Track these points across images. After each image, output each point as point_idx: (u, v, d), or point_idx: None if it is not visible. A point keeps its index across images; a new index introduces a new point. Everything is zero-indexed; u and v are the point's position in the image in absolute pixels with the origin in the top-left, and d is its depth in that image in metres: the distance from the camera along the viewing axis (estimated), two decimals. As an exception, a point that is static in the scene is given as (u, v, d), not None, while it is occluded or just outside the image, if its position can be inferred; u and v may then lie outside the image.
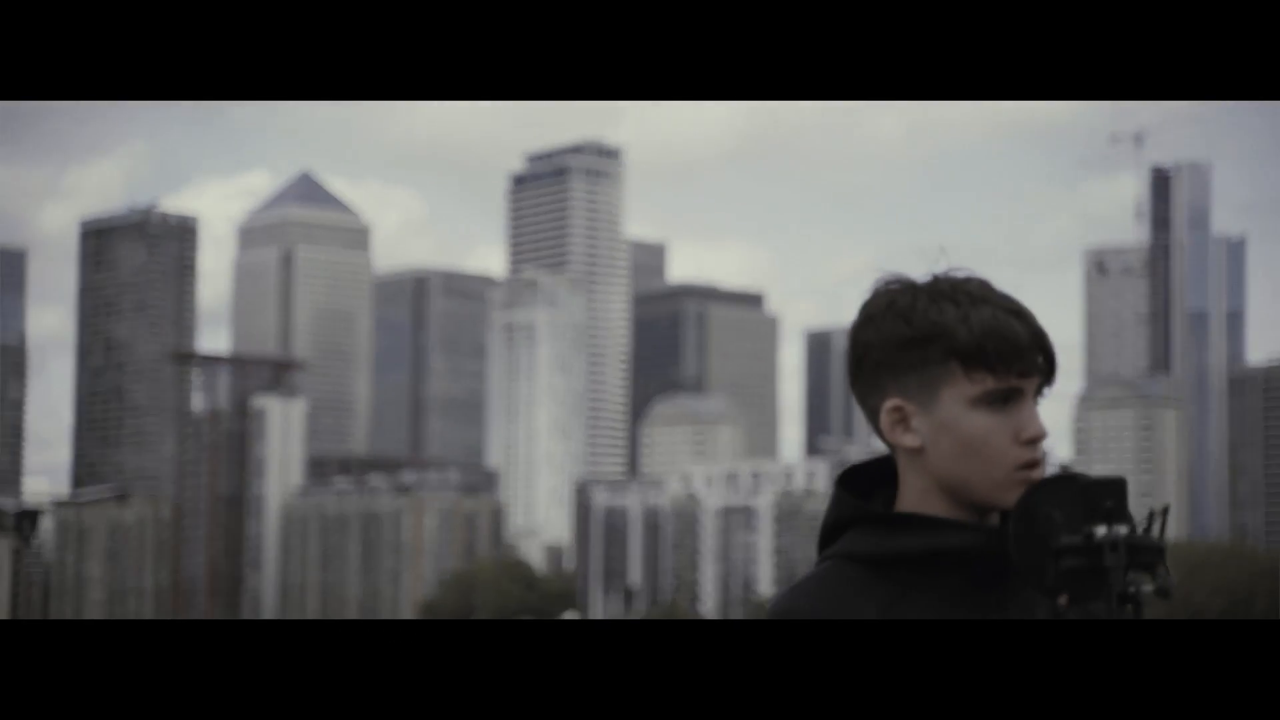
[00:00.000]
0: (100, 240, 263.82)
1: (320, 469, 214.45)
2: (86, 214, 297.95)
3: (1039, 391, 2.33)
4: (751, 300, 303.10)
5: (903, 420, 2.36)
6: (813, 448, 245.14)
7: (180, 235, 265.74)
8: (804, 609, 2.31)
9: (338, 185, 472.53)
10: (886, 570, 2.32)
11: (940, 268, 2.38)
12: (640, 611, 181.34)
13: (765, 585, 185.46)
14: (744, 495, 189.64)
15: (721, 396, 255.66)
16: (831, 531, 2.40)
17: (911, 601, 2.30)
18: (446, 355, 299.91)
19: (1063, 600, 2.19)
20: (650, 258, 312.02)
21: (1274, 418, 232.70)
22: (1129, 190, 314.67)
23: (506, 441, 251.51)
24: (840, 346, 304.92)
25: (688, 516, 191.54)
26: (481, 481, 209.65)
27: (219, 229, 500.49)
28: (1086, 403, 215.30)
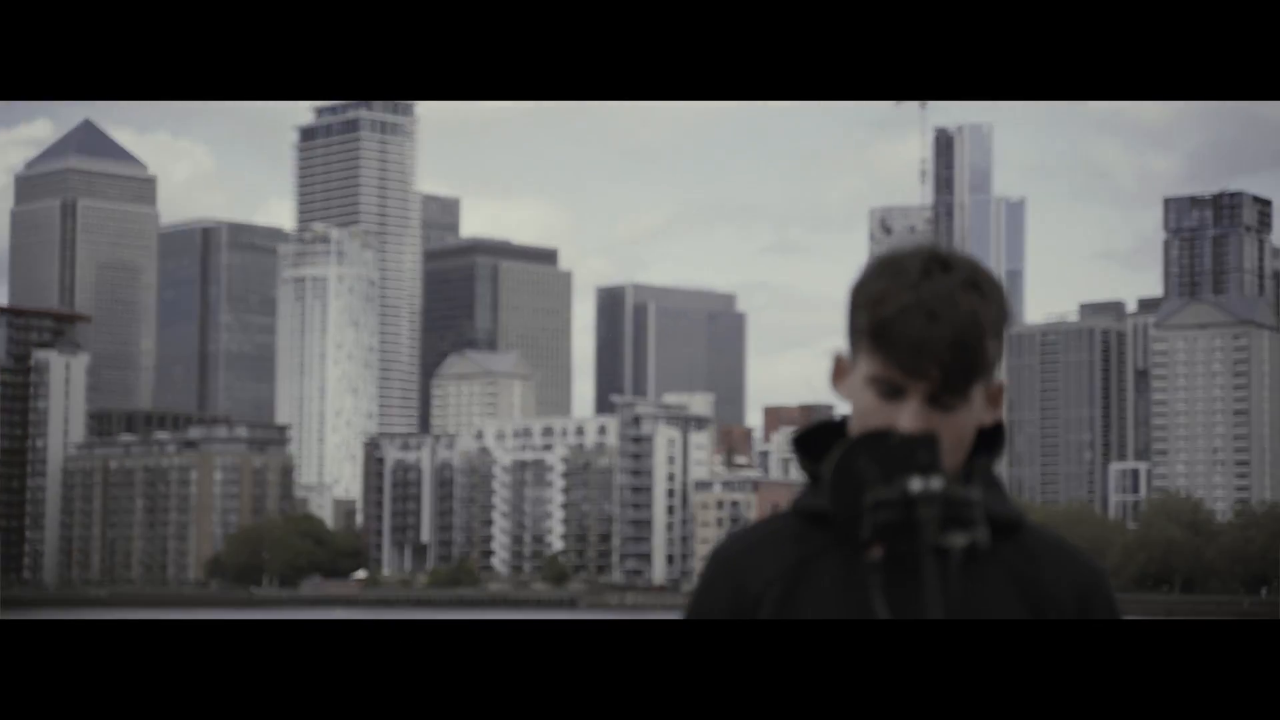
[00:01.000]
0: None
1: (103, 424, 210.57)
2: None
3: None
4: (545, 256, 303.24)
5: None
6: (604, 404, 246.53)
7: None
8: (728, 552, 2.39)
9: (123, 136, 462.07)
10: (817, 525, 2.36)
11: (936, 237, 2.48)
12: (431, 567, 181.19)
13: (557, 541, 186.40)
14: (536, 451, 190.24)
15: (514, 353, 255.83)
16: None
17: (825, 559, 2.35)
18: (235, 310, 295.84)
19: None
20: (443, 213, 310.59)
21: (1050, 376, 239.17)
22: (914, 151, 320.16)
23: (296, 397, 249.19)
24: (633, 302, 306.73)
25: (480, 472, 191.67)
26: (271, 437, 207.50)
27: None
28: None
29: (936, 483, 2.20)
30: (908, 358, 2.30)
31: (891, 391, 2.32)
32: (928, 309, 2.30)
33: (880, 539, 2.23)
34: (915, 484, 2.20)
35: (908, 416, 2.31)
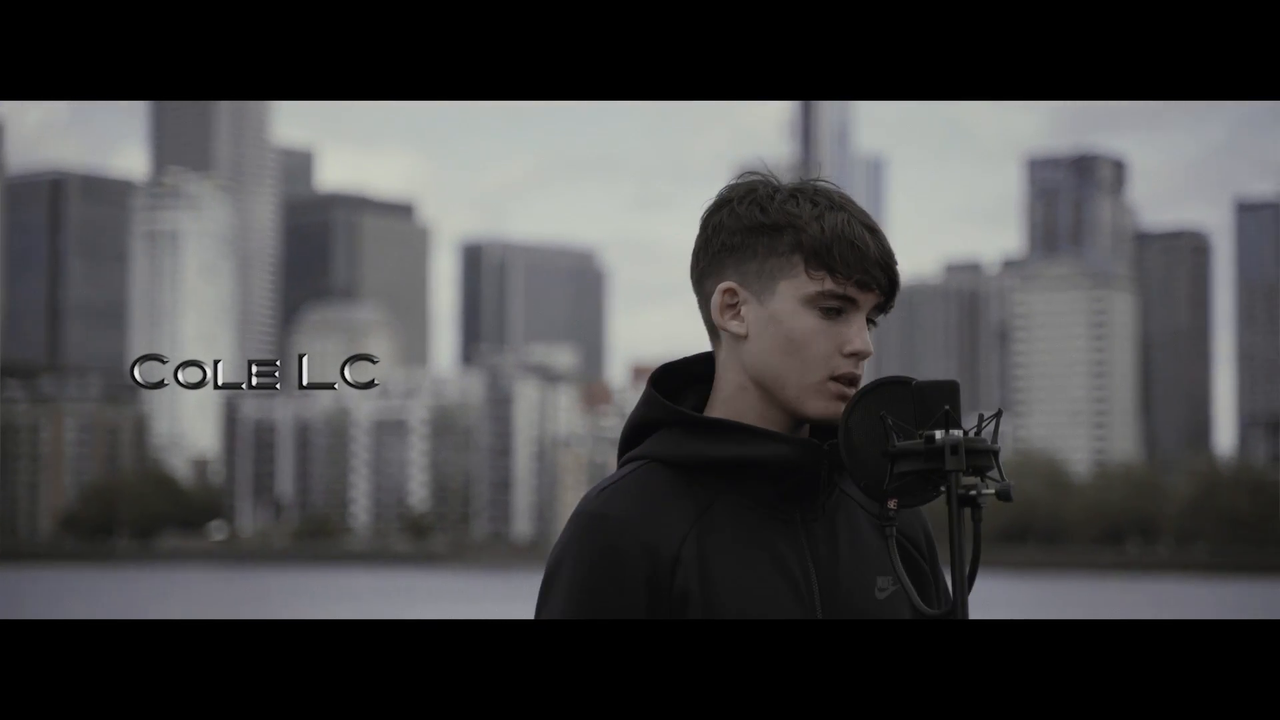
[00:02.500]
0: None
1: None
2: None
3: (876, 313, 2.32)
4: (402, 210, 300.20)
5: (734, 306, 2.33)
6: (467, 359, 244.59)
7: None
8: (622, 511, 2.26)
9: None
10: (696, 475, 2.28)
11: (809, 177, 2.37)
12: (291, 523, 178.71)
13: (418, 498, 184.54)
14: (396, 405, 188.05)
15: (373, 304, 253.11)
16: (638, 431, 2.35)
17: (719, 511, 2.27)
18: (86, 260, 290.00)
19: (892, 504, 2.21)
20: (299, 164, 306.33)
21: (911, 334, 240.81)
22: (779, 106, 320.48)
23: (150, 350, 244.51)
24: (494, 258, 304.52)
25: (339, 427, 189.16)
26: (124, 391, 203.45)
27: None
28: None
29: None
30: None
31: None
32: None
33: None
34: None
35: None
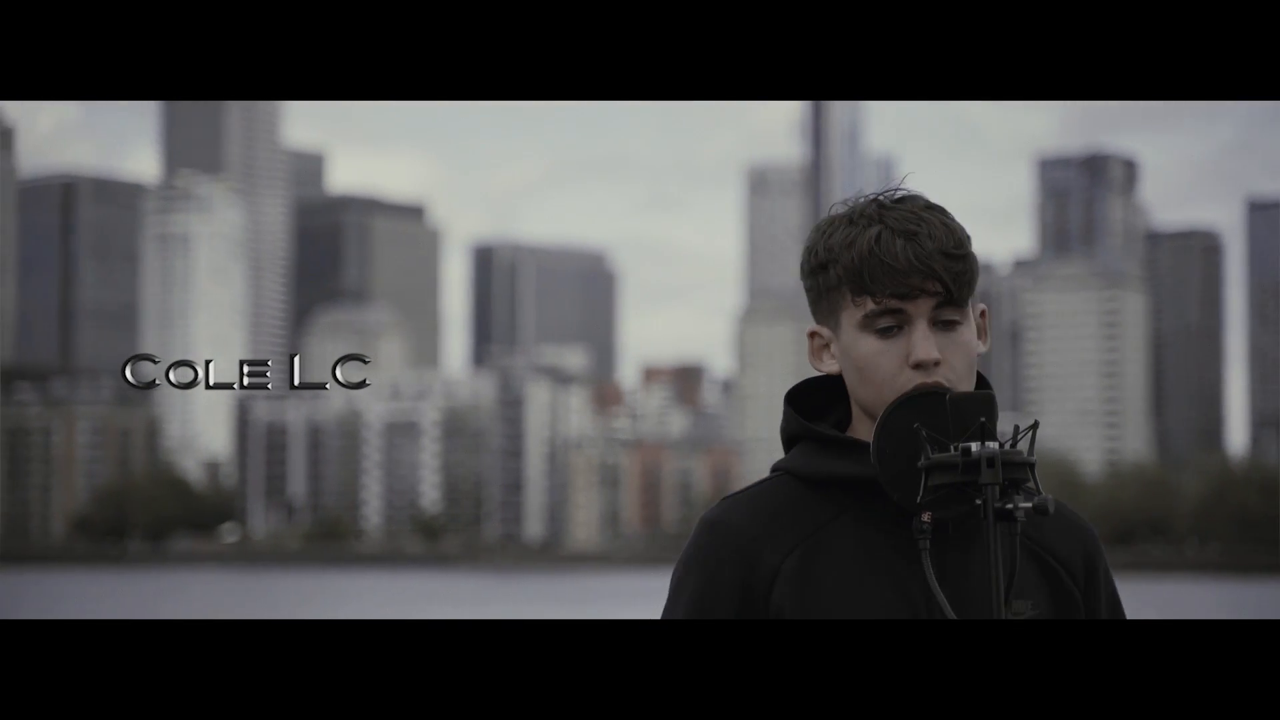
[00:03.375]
0: None
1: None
2: None
3: (947, 311, 2.28)
4: (413, 212, 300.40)
5: (824, 346, 2.35)
6: (478, 360, 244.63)
7: None
8: (736, 519, 2.28)
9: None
10: (824, 490, 2.29)
11: (888, 187, 2.36)
12: (303, 525, 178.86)
13: (430, 499, 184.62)
14: (408, 407, 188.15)
15: (384, 306, 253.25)
16: (787, 444, 2.38)
17: (840, 527, 2.27)
18: (98, 262, 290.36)
19: (926, 517, 2.19)
20: (310, 166, 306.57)
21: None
22: (789, 107, 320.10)
23: (162, 352, 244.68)
24: (505, 259, 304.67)
25: (351, 429, 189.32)
26: (136, 393, 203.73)
27: None
28: (747, 316, 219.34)
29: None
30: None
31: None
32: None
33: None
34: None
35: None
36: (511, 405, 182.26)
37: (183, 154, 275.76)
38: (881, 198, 2.33)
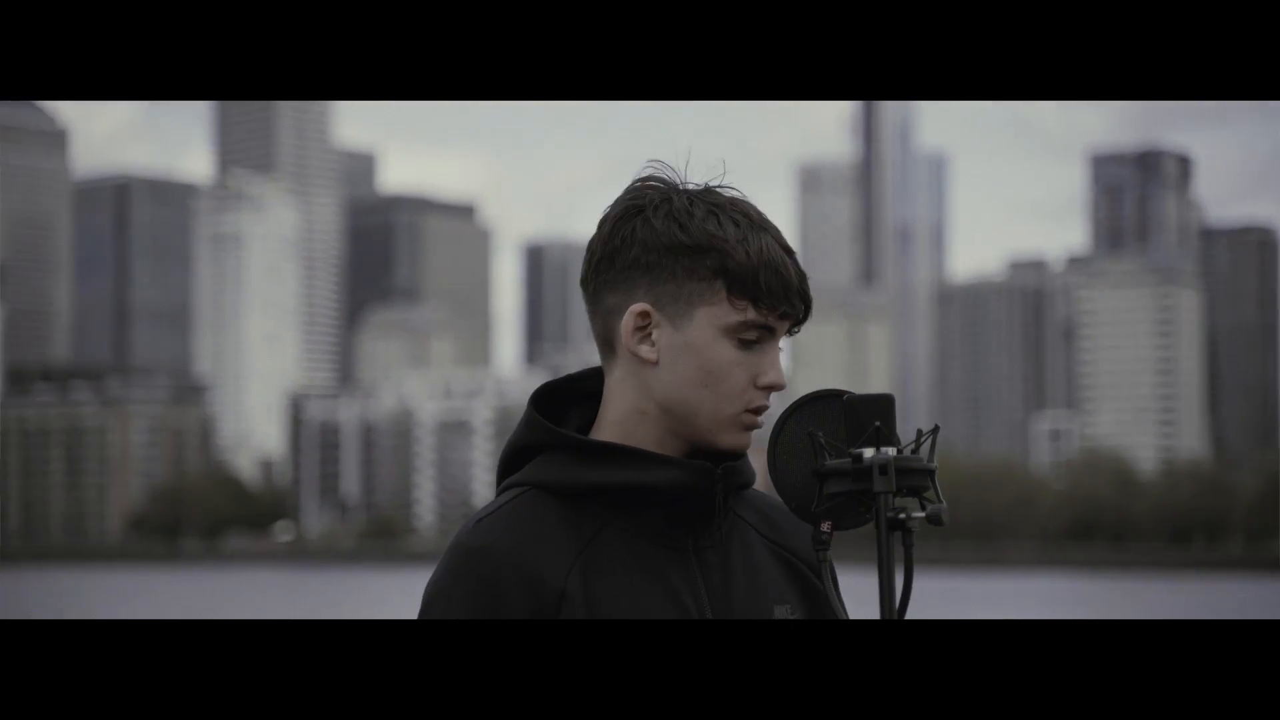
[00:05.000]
0: None
1: (20, 379, 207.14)
2: None
3: (785, 337, 2.20)
4: (464, 211, 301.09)
5: (645, 329, 2.16)
6: (530, 359, 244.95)
7: None
8: (501, 542, 2.11)
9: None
10: (581, 503, 2.14)
11: (712, 179, 2.21)
12: (357, 523, 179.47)
13: (482, 497, 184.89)
14: (460, 406, 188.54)
15: (436, 305, 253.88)
16: (518, 455, 2.19)
17: (606, 540, 2.13)
18: (152, 263, 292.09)
19: (825, 526, 2.08)
20: (361, 166, 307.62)
21: (978, 330, 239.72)
22: (841, 105, 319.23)
23: (215, 352, 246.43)
24: (557, 258, 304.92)
25: (403, 428, 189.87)
26: (190, 392, 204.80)
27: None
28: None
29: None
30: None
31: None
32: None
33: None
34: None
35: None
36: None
37: (235, 154, 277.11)
38: (717, 189, 2.20)
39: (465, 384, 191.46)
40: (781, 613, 2.18)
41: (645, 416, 2.16)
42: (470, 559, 2.10)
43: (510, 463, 2.19)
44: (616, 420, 2.17)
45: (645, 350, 2.15)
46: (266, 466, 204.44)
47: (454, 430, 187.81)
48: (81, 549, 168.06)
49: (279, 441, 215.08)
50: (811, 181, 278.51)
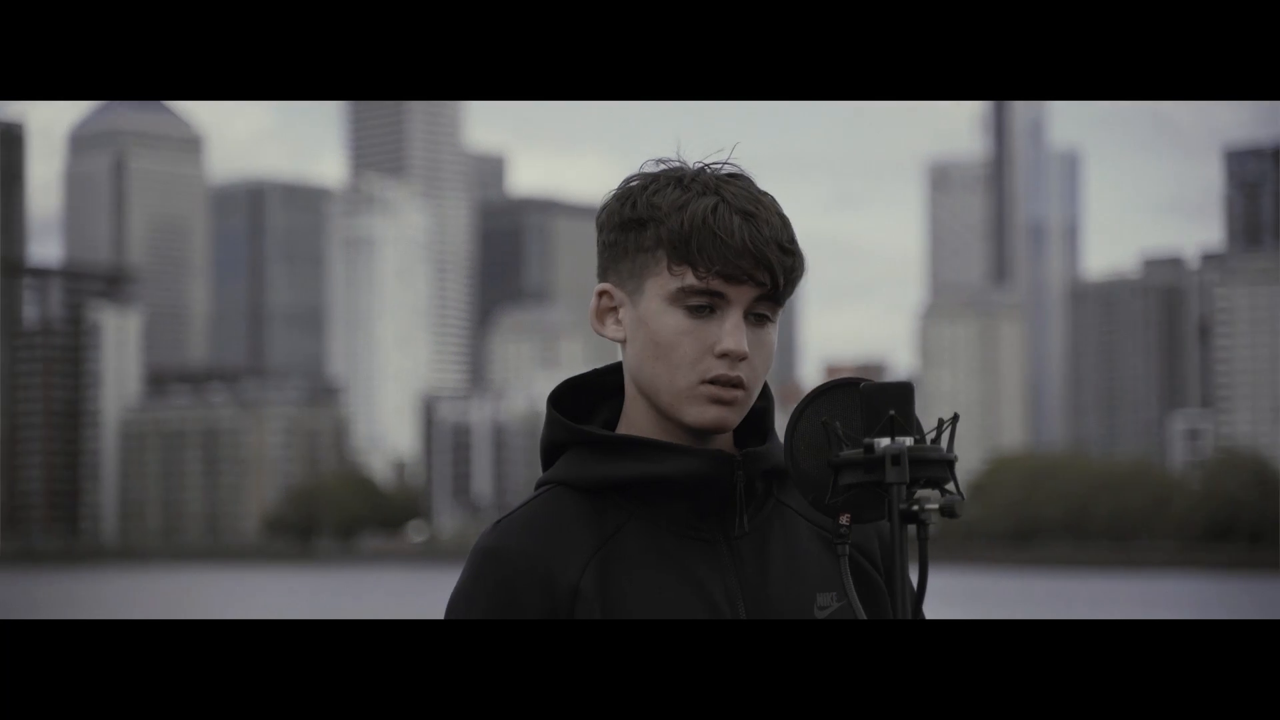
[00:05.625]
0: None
1: (159, 381, 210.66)
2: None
3: (764, 307, 2.11)
4: (593, 213, 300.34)
5: (612, 309, 2.15)
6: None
7: (7, 142, 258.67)
8: (517, 543, 2.09)
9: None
10: (604, 499, 2.11)
11: (711, 159, 2.15)
12: (488, 524, 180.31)
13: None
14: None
15: (566, 306, 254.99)
16: (548, 454, 2.17)
17: (629, 535, 2.10)
18: (286, 266, 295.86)
19: (844, 519, 2.00)
20: (492, 168, 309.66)
21: (1113, 329, 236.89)
22: (971, 102, 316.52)
23: (348, 354, 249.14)
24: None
25: (533, 429, 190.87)
26: (324, 394, 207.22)
27: (51, 135, 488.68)
28: (929, 313, 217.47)
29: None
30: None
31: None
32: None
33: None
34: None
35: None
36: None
37: (368, 158, 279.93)
38: (710, 167, 2.14)
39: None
40: (824, 601, 2.12)
41: (637, 402, 2.14)
42: (487, 561, 2.09)
43: (545, 463, 2.19)
44: (626, 412, 2.16)
45: (612, 330, 2.14)
46: (399, 467, 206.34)
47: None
48: (218, 549, 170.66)
49: (411, 442, 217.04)
50: (942, 180, 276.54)
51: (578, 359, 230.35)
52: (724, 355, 2.07)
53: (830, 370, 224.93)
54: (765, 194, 2.13)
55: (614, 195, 2.15)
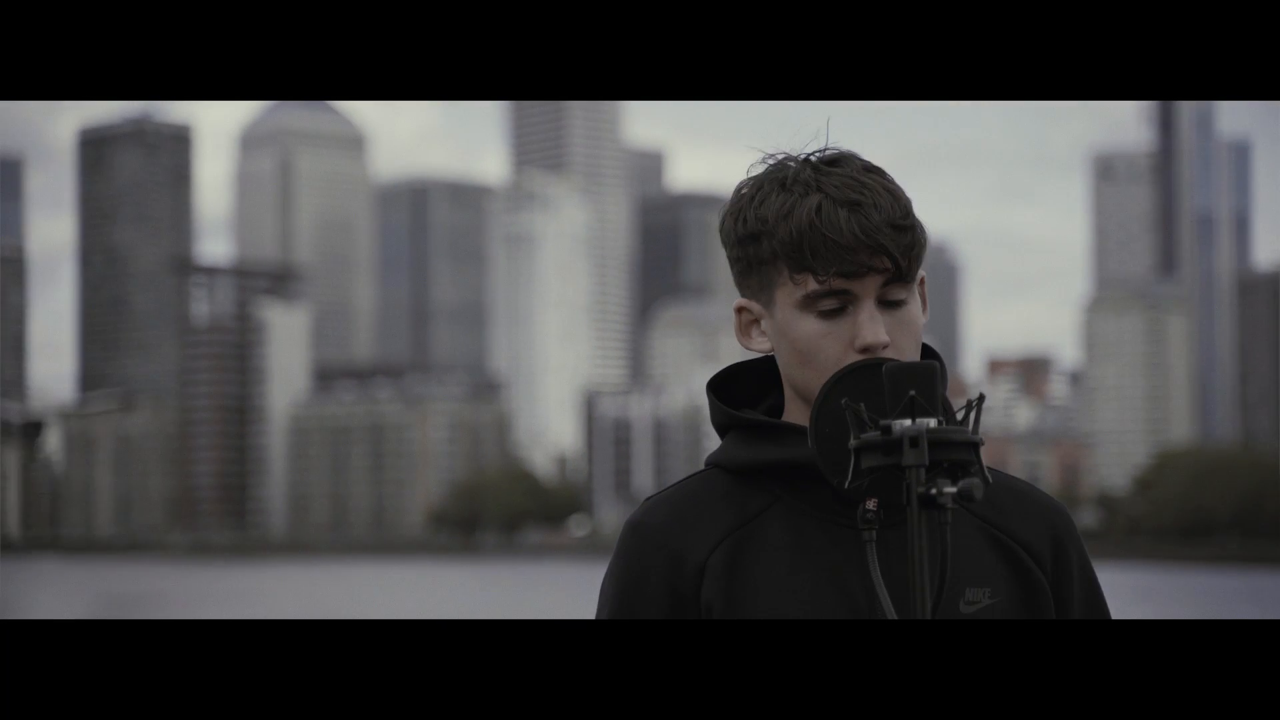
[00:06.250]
0: (98, 148, 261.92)
1: (325, 377, 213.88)
2: (88, 122, 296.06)
3: (894, 289, 2.08)
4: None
5: (754, 322, 2.15)
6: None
7: (177, 143, 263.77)
8: (658, 519, 2.11)
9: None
10: (756, 481, 2.12)
11: (817, 144, 2.14)
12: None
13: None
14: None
15: (726, 301, 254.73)
16: (720, 437, 2.21)
17: (772, 518, 2.10)
18: (450, 263, 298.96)
19: (871, 504, 1.99)
20: (651, 165, 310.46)
21: (1275, 322, 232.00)
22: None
23: (510, 349, 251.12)
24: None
25: (693, 424, 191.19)
26: (487, 390, 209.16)
27: (219, 136, 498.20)
28: (1095, 306, 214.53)
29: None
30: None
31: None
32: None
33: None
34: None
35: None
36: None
37: (529, 155, 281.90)
38: (813, 157, 2.12)
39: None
40: (974, 596, 2.07)
41: (794, 400, 2.15)
42: (628, 535, 2.13)
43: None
44: (788, 405, 2.17)
45: (757, 343, 2.15)
46: (561, 462, 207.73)
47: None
48: (384, 542, 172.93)
49: (573, 437, 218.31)
50: (1108, 171, 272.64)
51: (737, 353, 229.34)
52: (865, 349, 2.05)
53: (993, 364, 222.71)
54: (871, 173, 2.10)
55: (728, 209, 2.14)
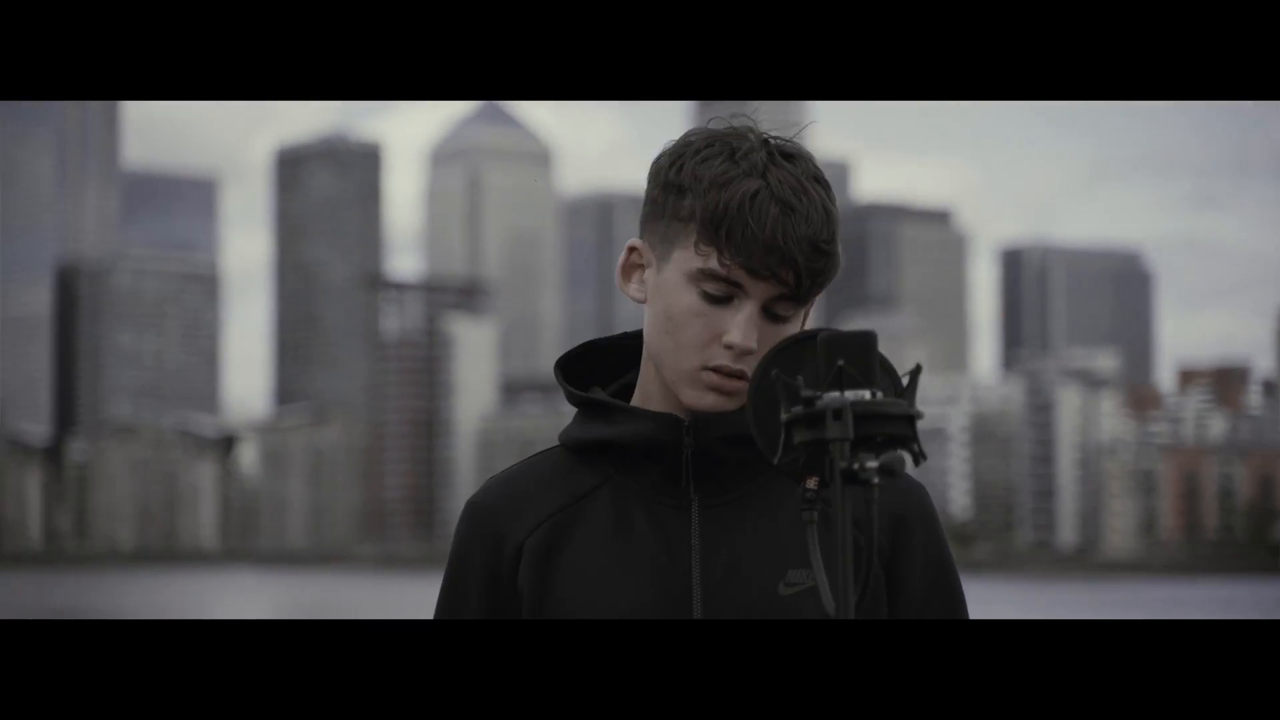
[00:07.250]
0: (293, 167, 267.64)
1: (512, 390, 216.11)
2: (283, 142, 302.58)
3: (785, 306, 2.00)
4: (939, 218, 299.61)
5: (639, 267, 2.09)
6: (1007, 365, 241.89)
7: (368, 160, 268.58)
8: (488, 500, 2.10)
9: (532, 108, 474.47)
10: (589, 459, 2.08)
11: (782, 130, 2.05)
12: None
13: (960, 506, 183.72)
14: (936, 413, 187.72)
15: (912, 312, 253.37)
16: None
17: (600, 498, 2.06)
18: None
19: (810, 483, 1.82)
20: (836, 175, 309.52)
21: None
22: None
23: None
24: (1035, 262, 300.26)
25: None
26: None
27: (409, 153, 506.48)
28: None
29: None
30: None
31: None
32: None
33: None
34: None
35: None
36: (1041, 410, 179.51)
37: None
38: (773, 141, 2.04)
39: (941, 391, 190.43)
40: (796, 578, 2.01)
41: (648, 366, 2.09)
42: (461, 516, 2.12)
43: None
44: (641, 374, 2.12)
45: (633, 289, 2.09)
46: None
47: (930, 438, 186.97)
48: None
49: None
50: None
51: (923, 365, 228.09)
52: (730, 347, 1.99)
53: (1185, 374, 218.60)
54: (818, 183, 2.02)
55: (670, 149, 2.07)
